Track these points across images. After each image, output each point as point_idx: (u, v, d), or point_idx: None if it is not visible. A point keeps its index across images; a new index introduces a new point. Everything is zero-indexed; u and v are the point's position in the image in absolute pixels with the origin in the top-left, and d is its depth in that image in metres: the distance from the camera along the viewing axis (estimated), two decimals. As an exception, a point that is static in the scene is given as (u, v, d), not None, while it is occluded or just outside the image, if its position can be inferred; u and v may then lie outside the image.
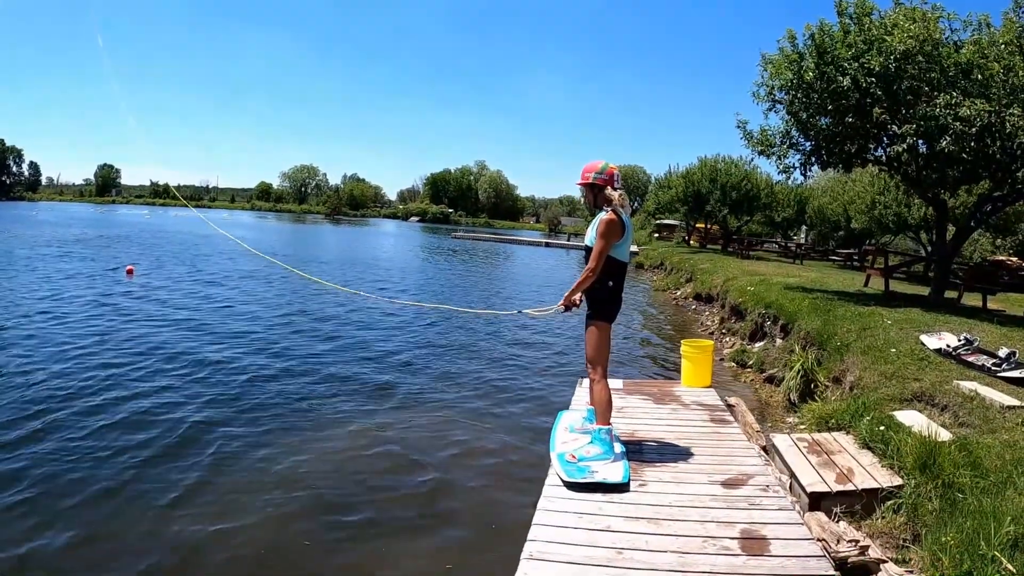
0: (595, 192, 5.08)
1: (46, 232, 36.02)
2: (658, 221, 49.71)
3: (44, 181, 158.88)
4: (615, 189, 5.00)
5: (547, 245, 56.19)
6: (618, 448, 5.11)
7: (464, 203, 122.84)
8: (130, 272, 19.17)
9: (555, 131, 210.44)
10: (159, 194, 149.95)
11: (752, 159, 16.00)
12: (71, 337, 10.30)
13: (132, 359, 9.22)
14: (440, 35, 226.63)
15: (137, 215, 76.11)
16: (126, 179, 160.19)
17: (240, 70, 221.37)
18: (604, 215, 4.91)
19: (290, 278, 18.82)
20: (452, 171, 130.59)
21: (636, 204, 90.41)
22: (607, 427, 5.06)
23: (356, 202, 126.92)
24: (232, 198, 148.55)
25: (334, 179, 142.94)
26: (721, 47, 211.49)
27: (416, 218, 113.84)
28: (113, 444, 6.16)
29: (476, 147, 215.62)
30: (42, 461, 5.70)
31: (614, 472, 4.79)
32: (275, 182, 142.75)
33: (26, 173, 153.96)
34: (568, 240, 61.37)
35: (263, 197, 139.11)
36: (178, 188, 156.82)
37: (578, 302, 5.19)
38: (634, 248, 41.46)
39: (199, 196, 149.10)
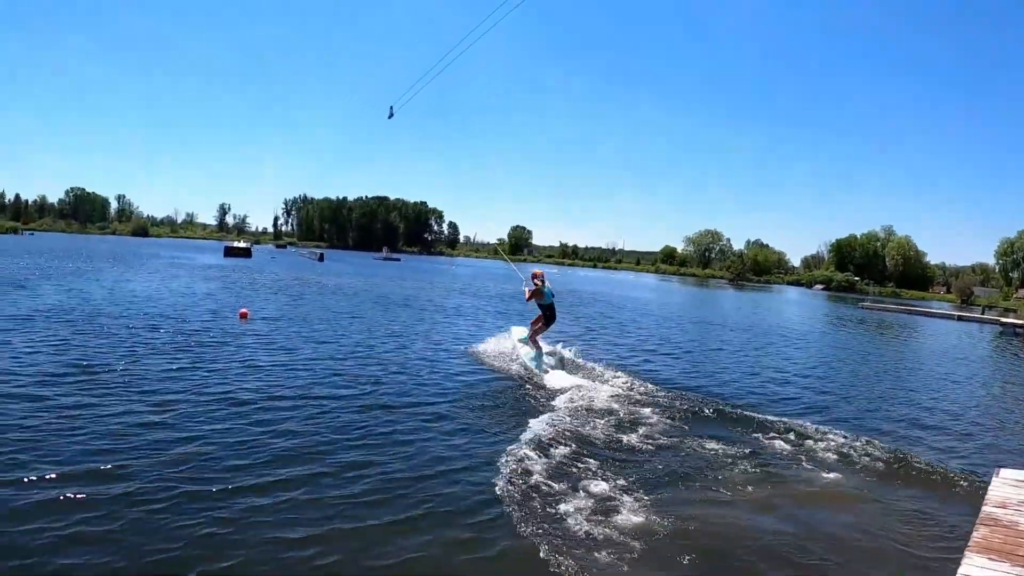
0: (535, 282, 12.99)
1: (459, 283, 43.94)
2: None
3: (462, 239, 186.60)
4: (537, 281, 12.91)
5: (958, 318, 51.39)
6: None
7: (870, 271, 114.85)
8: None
9: (968, 190, 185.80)
10: (567, 254, 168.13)
11: None
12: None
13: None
14: (848, 92, 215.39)
15: (549, 272, 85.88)
16: (537, 239, 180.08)
17: (634, 135, 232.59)
18: (532, 287, 13.01)
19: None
20: (858, 236, 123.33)
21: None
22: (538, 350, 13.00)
23: (759, 268, 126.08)
24: (637, 260, 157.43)
25: (737, 244, 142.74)
26: None
27: (820, 286, 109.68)
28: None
29: (880, 209, 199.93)
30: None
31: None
32: (679, 246, 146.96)
33: (446, 232, 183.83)
34: (982, 313, 54.46)
35: (667, 260, 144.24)
36: (585, 249, 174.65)
37: (528, 299, 13.27)
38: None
39: (605, 258, 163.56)
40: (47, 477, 5.80)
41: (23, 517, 5.09)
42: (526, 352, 12.97)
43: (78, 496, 5.47)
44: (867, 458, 8.49)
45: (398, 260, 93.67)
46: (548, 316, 13.10)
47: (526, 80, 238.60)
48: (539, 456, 7.35)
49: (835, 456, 8.49)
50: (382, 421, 8.43)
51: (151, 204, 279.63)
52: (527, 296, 13.16)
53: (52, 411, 7.71)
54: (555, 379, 11.76)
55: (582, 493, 6.38)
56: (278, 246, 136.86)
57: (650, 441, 8.51)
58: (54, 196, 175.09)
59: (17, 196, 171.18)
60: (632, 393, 11.25)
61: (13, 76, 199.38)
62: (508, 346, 13.94)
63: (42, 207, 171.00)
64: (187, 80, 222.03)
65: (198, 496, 5.67)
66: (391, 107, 22.47)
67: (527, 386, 11.48)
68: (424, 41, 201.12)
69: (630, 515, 5.98)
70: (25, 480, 5.71)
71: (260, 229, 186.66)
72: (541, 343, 13.29)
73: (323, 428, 7.96)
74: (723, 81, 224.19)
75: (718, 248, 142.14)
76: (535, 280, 13.02)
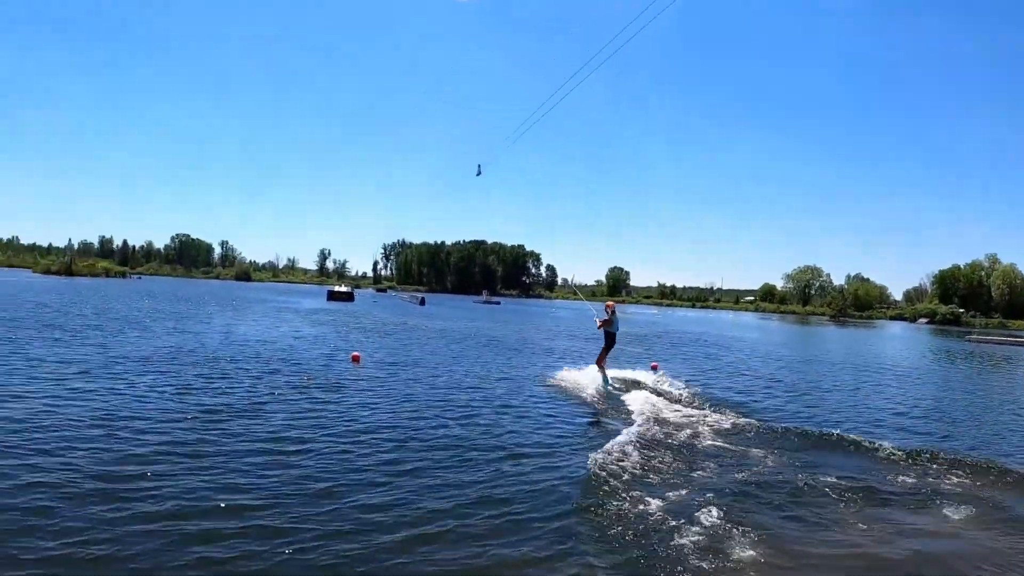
0: (607, 312, 15.68)
1: (563, 326, 43.75)
2: None
3: (559, 282, 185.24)
4: (608, 311, 15.71)
5: (1072, 349, 48.33)
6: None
7: (975, 302, 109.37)
8: (654, 368, 19.17)
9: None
10: (665, 295, 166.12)
11: None
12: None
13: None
14: (945, 118, 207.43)
15: (648, 313, 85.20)
16: (634, 280, 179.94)
17: (737, 172, 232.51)
18: (604, 317, 15.66)
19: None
20: (961, 267, 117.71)
21: None
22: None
23: (861, 303, 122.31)
24: (736, 299, 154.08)
25: (838, 279, 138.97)
26: None
27: (924, 319, 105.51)
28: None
29: (984, 237, 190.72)
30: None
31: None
32: (778, 283, 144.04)
33: (543, 274, 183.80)
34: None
35: (767, 299, 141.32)
36: (683, 289, 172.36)
37: (599, 327, 15.79)
38: None
39: (704, 298, 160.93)
40: (177, 525, 5.74)
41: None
42: (601, 380, 15.23)
43: (209, 554, 5.33)
44: (991, 494, 8.09)
45: (498, 303, 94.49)
46: (610, 343, 15.79)
47: (620, 121, 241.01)
48: (652, 496, 7.24)
49: (960, 490, 8.17)
50: (512, 472, 8.10)
51: (253, 249, 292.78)
52: (599, 325, 15.80)
53: (181, 458, 7.67)
54: (632, 400, 13.30)
55: (696, 528, 6.31)
56: (379, 290, 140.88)
57: (763, 475, 8.37)
58: (160, 242, 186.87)
59: (125, 242, 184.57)
60: (743, 428, 11.10)
61: (119, 125, 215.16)
62: (591, 379, 15.37)
63: (148, 252, 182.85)
64: (288, 128, 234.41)
65: (336, 542, 5.61)
66: (479, 165, 23.10)
67: (617, 417, 12.03)
68: (521, 88, 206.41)
69: (747, 549, 5.89)
70: (152, 531, 5.64)
71: (359, 273, 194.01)
72: (608, 370, 15.77)
73: (455, 473, 7.84)
74: (821, 115, 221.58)
75: (818, 284, 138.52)
76: (607, 310, 15.81)
